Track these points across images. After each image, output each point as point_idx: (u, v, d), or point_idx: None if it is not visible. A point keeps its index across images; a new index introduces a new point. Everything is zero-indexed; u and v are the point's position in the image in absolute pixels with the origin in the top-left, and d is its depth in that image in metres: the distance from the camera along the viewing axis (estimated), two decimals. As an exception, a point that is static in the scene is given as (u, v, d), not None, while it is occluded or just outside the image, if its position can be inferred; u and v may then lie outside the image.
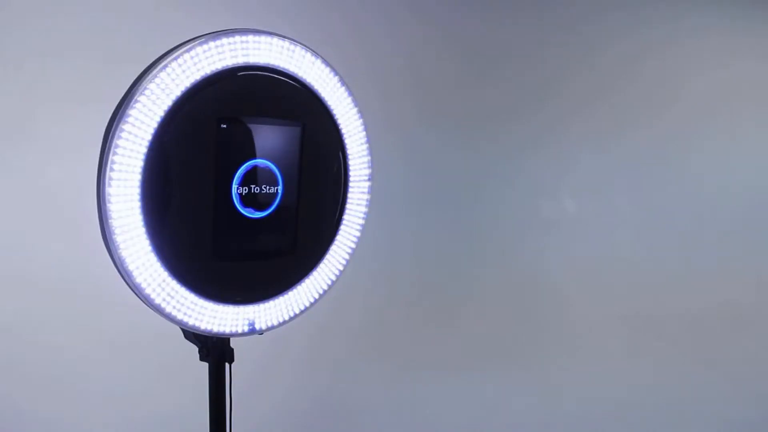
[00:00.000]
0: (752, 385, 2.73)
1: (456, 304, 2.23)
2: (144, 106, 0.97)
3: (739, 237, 2.77)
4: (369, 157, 1.25)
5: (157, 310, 1.05)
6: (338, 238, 1.23)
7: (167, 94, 0.99)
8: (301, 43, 1.12)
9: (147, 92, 0.97)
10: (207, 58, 1.02)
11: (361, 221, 1.26)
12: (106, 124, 1.00)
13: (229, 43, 1.04)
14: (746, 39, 2.87)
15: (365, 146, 1.24)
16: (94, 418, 1.74)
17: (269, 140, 1.10)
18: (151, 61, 1.02)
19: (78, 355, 1.70)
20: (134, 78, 1.01)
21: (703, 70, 2.76)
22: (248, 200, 1.09)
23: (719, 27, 2.79)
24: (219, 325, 1.11)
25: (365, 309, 2.11)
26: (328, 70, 1.16)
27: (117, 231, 0.98)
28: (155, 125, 0.98)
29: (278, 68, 1.10)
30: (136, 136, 0.97)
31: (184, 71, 1.00)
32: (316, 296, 1.23)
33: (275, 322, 1.19)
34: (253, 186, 1.08)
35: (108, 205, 0.97)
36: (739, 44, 2.85)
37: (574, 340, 2.32)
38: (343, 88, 1.18)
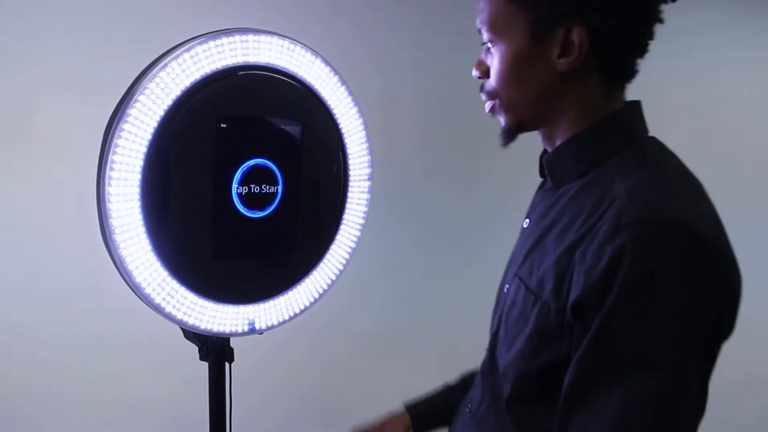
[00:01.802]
0: (753, 390, 2.73)
1: (458, 304, 2.23)
2: (144, 105, 0.97)
3: (742, 241, 2.76)
4: (369, 157, 1.25)
5: (157, 309, 1.05)
6: (338, 238, 1.23)
7: (167, 94, 0.99)
8: (300, 43, 1.12)
9: (147, 91, 0.97)
10: (207, 57, 1.02)
11: (361, 221, 1.26)
12: (106, 123, 1.00)
13: (229, 43, 1.04)
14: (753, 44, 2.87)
15: (365, 146, 1.24)
16: (93, 417, 1.74)
17: (269, 140, 1.10)
18: (151, 61, 1.02)
19: (76, 354, 1.70)
20: (134, 77, 1.01)
21: (706, 76, 2.75)
22: (248, 200, 1.09)
23: (724, 27, 2.78)
24: (219, 324, 1.11)
25: (366, 309, 2.11)
26: (328, 69, 1.16)
27: (117, 230, 0.98)
28: (155, 124, 0.98)
29: (278, 68, 1.10)
30: (135, 135, 0.97)
31: (183, 71, 1.00)
32: (316, 296, 1.23)
33: (275, 322, 1.19)
34: (252, 186, 1.08)
35: (108, 204, 0.97)
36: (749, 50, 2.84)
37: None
38: (343, 88, 1.18)
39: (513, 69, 0.83)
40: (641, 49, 0.83)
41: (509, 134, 0.89)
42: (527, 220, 0.95)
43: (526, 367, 0.82)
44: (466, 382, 1.18)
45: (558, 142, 0.87)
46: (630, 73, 0.84)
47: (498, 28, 0.84)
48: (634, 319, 0.70)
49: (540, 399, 0.80)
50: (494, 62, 0.86)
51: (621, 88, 0.86)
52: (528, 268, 0.86)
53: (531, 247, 0.87)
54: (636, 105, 0.87)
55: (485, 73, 0.88)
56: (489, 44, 0.87)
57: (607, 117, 0.84)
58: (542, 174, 0.95)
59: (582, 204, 0.80)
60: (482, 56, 0.89)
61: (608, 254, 0.71)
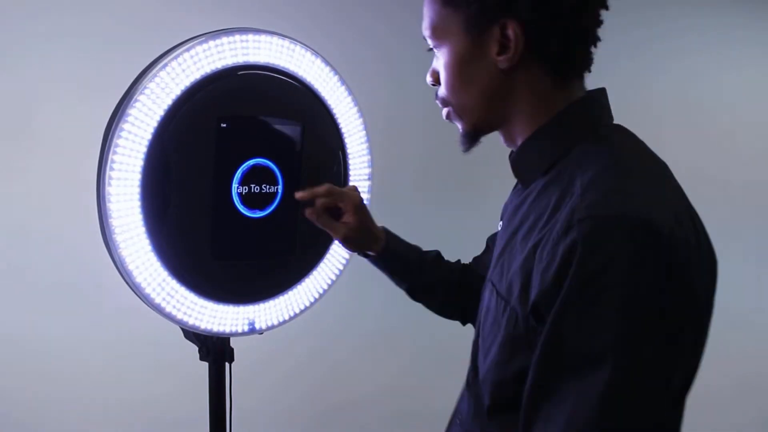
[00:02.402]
0: (752, 391, 2.73)
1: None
2: (144, 105, 0.97)
3: (740, 242, 2.76)
4: (369, 157, 1.25)
5: (157, 309, 1.05)
6: (338, 237, 1.23)
7: (167, 94, 0.99)
8: (300, 42, 1.12)
9: (147, 91, 0.97)
10: (207, 57, 1.02)
11: (361, 221, 1.26)
12: (106, 123, 1.00)
13: (229, 42, 1.04)
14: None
15: (365, 146, 1.24)
16: (93, 417, 1.74)
17: (269, 140, 1.10)
18: (151, 60, 1.02)
19: (76, 354, 1.70)
20: (134, 77, 1.01)
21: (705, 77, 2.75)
22: (248, 200, 1.09)
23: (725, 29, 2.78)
24: (219, 324, 1.11)
25: (366, 309, 2.11)
26: (328, 69, 1.16)
27: (117, 230, 0.98)
28: (155, 124, 0.98)
29: (278, 67, 1.10)
30: (135, 135, 0.97)
31: (184, 70, 1.00)
32: (316, 296, 1.23)
33: (275, 322, 1.19)
34: (252, 185, 1.08)
35: (108, 204, 0.97)
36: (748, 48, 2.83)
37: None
38: (343, 87, 1.18)
39: (457, 72, 0.83)
40: (585, 37, 0.80)
41: (467, 139, 0.88)
42: (501, 222, 0.93)
43: (502, 375, 0.80)
44: (438, 258, 1.20)
45: (519, 141, 0.85)
46: (582, 62, 0.82)
47: (438, 33, 0.84)
48: (580, 317, 0.68)
49: (518, 406, 0.77)
50: (440, 68, 0.85)
51: (577, 78, 0.83)
52: (499, 272, 0.84)
53: (501, 250, 0.86)
54: (597, 93, 0.85)
55: (438, 80, 0.88)
56: (435, 51, 0.86)
57: (565, 109, 0.81)
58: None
59: (547, 201, 0.78)
60: (434, 63, 0.89)
61: (560, 253, 0.70)
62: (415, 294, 1.20)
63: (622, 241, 0.68)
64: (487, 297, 0.87)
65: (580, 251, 0.68)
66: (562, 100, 0.82)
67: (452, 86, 0.84)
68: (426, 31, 0.85)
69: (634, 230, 0.68)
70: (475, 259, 1.20)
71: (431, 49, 0.87)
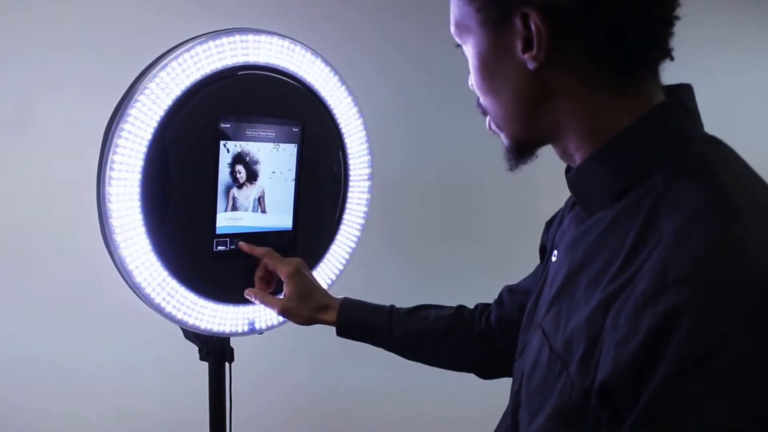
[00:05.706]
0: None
1: (463, 301, 2.22)
2: (144, 105, 0.97)
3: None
4: (369, 157, 1.25)
5: (157, 309, 1.05)
6: (338, 238, 1.24)
7: (167, 94, 0.99)
8: (301, 43, 1.12)
9: (147, 91, 0.97)
10: (207, 57, 1.02)
11: (361, 221, 1.26)
12: (106, 123, 1.00)
13: (229, 43, 1.04)
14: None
15: (365, 146, 1.24)
16: (93, 418, 1.74)
17: (269, 140, 1.11)
18: (151, 61, 1.02)
19: (76, 354, 1.70)
20: (134, 77, 1.01)
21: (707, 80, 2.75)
22: (248, 200, 1.09)
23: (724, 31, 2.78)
24: (219, 324, 1.11)
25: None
26: (328, 69, 1.16)
27: (117, 230, 0.98)
28: (155, 124, 0.98)
29: (278, 67, 1.10)
30: (136, 135, 0.97)
31: (184, 71, 1.00)
32: (316, 296, 1.23)
33: (275, 322, 1.19)
34: (252, 185, 1.09)
35: (108, 204, 0.97)
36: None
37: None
38: (343, 88, 1.19)
39: (482, 74, 0.70)
40: (640, 17, 0.61)
41: (511, 155, 0.74)
42: (555, 252, 0.75)
43: None
44: (416, 311, 1.11)
45: (578, 158, 0.69)
46: (643, 50, 0.63)
47: (461, 30, 0.72)
48: (685, 416, 0.51)
49: None
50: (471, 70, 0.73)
51: (648, 74, 0.65)
52: (554, 320, 0.67)
53: (558, 290, 0.69)
54: (683, 92, 0.66)
55: None
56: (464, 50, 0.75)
57: (640, 118, 0.64)
58: None
59: (621, 239, 0.61)
60: None
61: (648, 323, 0.53)
62: (404, 356, 1.11)
63: (741, 311, 0.51)
64: (536, 347, 0.70)
65: (680, 325, 0.51)
66: (629, 107, 0.65)
67: (482, 91, 0.71)
68: (451, 28, 0.73)
69: (758, 295, 0.51)
70: (510, 290, 1.05)
71: (459, 46, 0.74)
